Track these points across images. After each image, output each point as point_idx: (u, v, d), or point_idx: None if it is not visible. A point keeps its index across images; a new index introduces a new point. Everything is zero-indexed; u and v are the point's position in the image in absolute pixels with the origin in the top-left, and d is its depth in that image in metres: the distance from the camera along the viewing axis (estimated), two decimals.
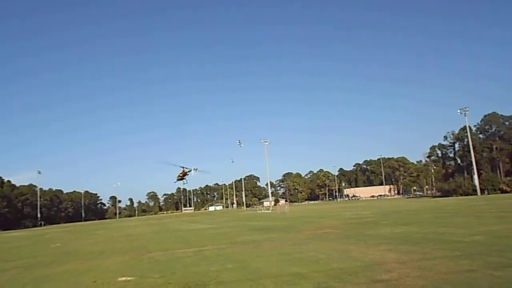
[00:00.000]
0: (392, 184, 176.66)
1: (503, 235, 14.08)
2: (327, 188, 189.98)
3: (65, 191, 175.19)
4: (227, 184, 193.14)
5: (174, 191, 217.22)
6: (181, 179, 27.50)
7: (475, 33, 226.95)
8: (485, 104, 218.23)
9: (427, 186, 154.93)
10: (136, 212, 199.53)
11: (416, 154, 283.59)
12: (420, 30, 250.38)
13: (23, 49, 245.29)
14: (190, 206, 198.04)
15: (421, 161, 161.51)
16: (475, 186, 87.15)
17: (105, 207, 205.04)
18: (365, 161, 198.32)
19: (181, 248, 17.95)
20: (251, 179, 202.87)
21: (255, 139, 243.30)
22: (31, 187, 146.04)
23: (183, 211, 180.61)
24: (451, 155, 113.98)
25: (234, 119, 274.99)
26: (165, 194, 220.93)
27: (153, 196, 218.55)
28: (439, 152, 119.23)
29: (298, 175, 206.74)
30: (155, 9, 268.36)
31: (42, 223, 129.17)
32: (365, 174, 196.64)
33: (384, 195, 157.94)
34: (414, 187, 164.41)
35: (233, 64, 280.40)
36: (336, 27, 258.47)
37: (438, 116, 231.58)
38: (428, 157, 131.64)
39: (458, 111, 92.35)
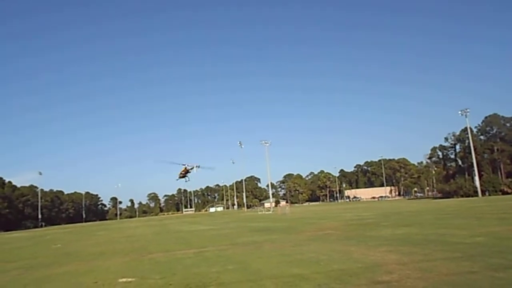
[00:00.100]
0: (393, 185, 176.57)
1: (504, 237, 14.05)
2: (328, 189, 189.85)
3: (66, 192, 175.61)
4: (227, 185, 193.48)
5: (175, 192, 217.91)
6: (183, 176, 27.46)
7: (476, 33, 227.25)
8: (486, 105, 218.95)
9: (428, 188, 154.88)
10: (137, 213, 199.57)
11: (417, 155, 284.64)
12: (421, 30, 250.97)
13: (23, 49, 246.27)
14: (190, 207, 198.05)
15: (422, 162, 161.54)
16: (476, 188, 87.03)
17: (105, 208, 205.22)
18: (366, 162, 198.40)
19: (181, 249, 17.94)
20: (252, 180, 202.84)
21: (255, 140, 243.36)
22: (32, 188, 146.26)
23: (184, 212, 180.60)
24: (452, 156, 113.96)
25: (234, 119, 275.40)
26: (165, 195, 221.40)
27: (153, 197, 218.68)
28: (440, 153, 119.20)
29: (299, 176, 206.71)
30: (155, 9, 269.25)
31: (43, 224, 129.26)
32: (366, 175, 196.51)
33: (384, 197, 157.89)
34: (415, 189, 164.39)
35: (234, 64, 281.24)
36: (337, 27, 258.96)
37: (439, 117, 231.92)
38: (429, 158, 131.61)
39: (459, 112, 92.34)
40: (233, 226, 35.70)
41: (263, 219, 47.27)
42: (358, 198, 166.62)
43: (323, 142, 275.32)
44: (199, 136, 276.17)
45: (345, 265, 10.46)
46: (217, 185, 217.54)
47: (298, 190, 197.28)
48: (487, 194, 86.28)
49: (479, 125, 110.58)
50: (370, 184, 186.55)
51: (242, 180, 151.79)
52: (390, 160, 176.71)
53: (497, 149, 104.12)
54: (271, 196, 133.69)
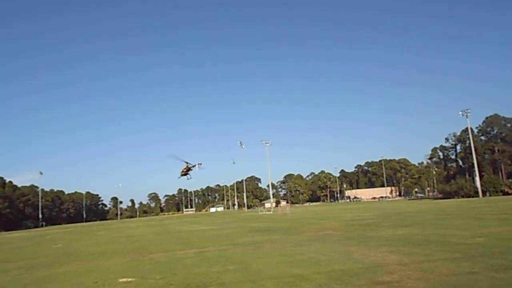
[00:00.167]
0: (394, 185, 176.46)
1: (505, 237, 14.04)
2: (328, 189, 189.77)
3: (66, 192, 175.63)
4: (228, 185, 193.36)
5: (176, 192, 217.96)
6: (185, 174, 27.38)
7: (476, 34, 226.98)
8: (487, 106, 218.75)
9: (428, 188, 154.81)
10: (138, 213, 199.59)
11: (418, 155, 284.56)
12: (421, 30, 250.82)
13: (23, 49, 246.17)
14: (191, 207, 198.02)
15: (422, 162, 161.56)
16: (477, 188, 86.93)
17: (106, 208, 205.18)
18: (367, 162, 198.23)
19: (182, 249, 17.95)
20: (252, 181, 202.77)
21: (256, 140, 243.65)
22: (33, 188, 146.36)
23: (184, 212, 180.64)
24: (453, 157, 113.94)
25: (235, 120, 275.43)
26: (166, 195, 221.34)
27: (154, 197, 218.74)
28: (440, 153, 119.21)
29: (300, 176, 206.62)
30: (154, 9, 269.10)
31: (44, 223, 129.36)
32: (367, 175, 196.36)
33: (385, 197, 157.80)
34: (416, 189, 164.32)
35: (234, 64, 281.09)
36: (337, 27, 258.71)
37: (440, 118, 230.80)
38: (430, 158, 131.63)
39: (460, 112, 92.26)
40: (234, 226, 35.70)
41: (264, 219, 47.27)
42: (358, 198, 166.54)
43: (323, 142, 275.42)
44: (199, 136, 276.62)
45: (346, 266, 10.46)
46: (218, 185, 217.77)
47: (298, 191, 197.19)
48: (487, 194, 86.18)
49: (480, 125, 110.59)
50: (371, 185, 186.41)
51: (242, 180, 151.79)
52: (390, 160, 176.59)
53: (498, 150, 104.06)
54: (271, 196, 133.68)
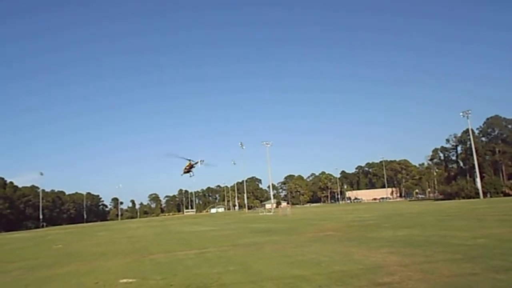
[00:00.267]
0: (394, 186, 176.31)
1: (506, 239, 14.02)
2: (329, 190, 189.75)
3: (67, 193, 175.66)
4: (229, 186, 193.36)
5: (176, 193, 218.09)
6: (188, 171, 27.29)
7: (477, 34, 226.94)
8: (488, 107, 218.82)
9: (429, 189, 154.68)
10: (138, 213, 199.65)
11: (419, 156, 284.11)
12: (422, 31, 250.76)
13: (23, 49, 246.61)
14: (191, 208, 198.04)
15: (423, 164, 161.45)
16: (478, 189, 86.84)
17: (107, 209, 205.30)
18: (367, 163, 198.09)
19: (182, 250, 17.95)
20: (253, 181, 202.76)
21: (257, 141, 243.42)
22: (33, 188, 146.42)
23: (185, 213, 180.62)
24: (454, 158, 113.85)
25: (235, 120, 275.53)
26: (167, 196, 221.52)
27: (155, 198, 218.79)
28: (441, 155, 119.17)
29: (300, 177, 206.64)
30: (154, 9, 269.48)
31: (44, 224, 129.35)
32: (367, 176, 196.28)
33: (386, 198, 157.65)
34: (416, 190, 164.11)
35: (234, 65, 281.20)
36: (337, 28, 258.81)
37: (440, 119, 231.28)
38: (431, 160, 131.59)
39: (461, 113, 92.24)
40: (234, 227, 35.68)
41: (264, 220, 47.25)
42: (359, 199, 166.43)
43: (324, 143, 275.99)
44: (200, 137, 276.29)
45: (346, 267, 10.46)
46: (218, 186, 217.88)
47: (299, 191, 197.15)
48: (488, 196, 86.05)
49: (480, 126, 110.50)
50: (371, 186, 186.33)
51: (243, 181, 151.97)
52: (391, 161, 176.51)
53: (499, 151, 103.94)
54: (272, 197, 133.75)
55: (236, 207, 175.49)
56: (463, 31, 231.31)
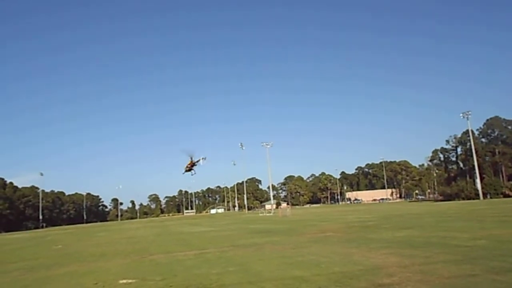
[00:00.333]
0: (394, 187, 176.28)
1: (506, 240, 14.02)
2: (329, 191, 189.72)
3: (67, 193, 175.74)
4: (228, 186, 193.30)
5: (176, 194, 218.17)
6: (189, 169, 26.94)
7: (478, 36, 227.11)
8: (488, 108, 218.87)
9: (429, 190, 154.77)
10: (138, 214, 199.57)
11: (419, 157, 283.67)
12: (422, 32, 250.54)
13: (23, 49, 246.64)
14: (191, 208, 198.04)
15: (423, 164, 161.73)
16: (478, 190, 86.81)
17: (106, 209, 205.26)
18: (367, 164, 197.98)
19: (182, 251, 17.95)
20: (253, 182, 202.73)
21: (257, 142, 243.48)
22: (33, 188, 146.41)
23: (185, 214, 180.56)
24: (454, 159, 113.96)
25: (236, 121, 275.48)
26: (166, 197, 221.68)
27: (155, 198, 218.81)
28: (441, 156, 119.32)
29: (300, 178, 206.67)
30: (154, 9, 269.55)
31: (44, 225, 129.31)
32: (367, 177, 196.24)
33: (386, 199, 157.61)
34: (416, 191, 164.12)
35: (234, 65, 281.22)
36: (338, 28, 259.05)
37: (441, 120, 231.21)
38: (431, 161, 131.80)
39: (461, 115, 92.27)
40: (234, 228, 35.68)
41: (264, 221, 47.24)
42: (359, 200, 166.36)
43: (324, 144, 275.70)
44: (200, 137, 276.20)
45: (346, 268, 10.46)
46: (218, 186, 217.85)
47: (299, 192, 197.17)
48: (488, 197, 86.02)
49: (480, 127, 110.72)
50: (371, 187, 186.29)
51: (243, 181, 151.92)
52: (391, 162, 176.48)
53: (499, 152, 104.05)
54: (272, 198, 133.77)
55: (236, 208, 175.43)
56: (463, 32, 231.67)
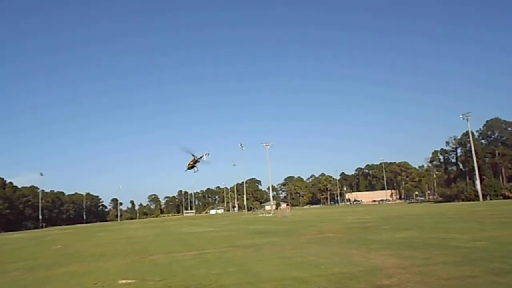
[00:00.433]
0: (394, 189, 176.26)
1: (505, 241, 14.02)
2: (328, 192, 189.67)
3: (66, 193, 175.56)
4: (228, 187, 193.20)
5: (176, 194, 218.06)
6: (192, 167, 26.53)
7: (478, 37, 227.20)
8: (488, 109, 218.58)
9: (429, 191, 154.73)
10: (138, 214, 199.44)
11: (418, 159, 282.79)
12: (422, 33, 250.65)
13: (23, 49, 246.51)
14: (191, 209, 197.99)
15: (423, 166, 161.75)
16: (477, 192, 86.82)
17: (106, 210, 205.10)
18: (367, 165, 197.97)
19: (182, 251, 17.94)
20: (253, 183, 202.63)
21: (256, 142, 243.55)
22: (33, 188, 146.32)
23: (184, 214, 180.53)
24: (453, 160, 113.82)
25: (235, 121, 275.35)
26: (166, 197, 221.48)
27: (154, 198, 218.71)
28: (441, 157, 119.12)
29: (300, 179, 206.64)
30: (155, 9, 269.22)
31: (43, 224, 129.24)
32: (367, 178, 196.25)
33: (385, 200, 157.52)
34: (416, 192, 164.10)
35: (234, 65, 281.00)
36: (338, 29, 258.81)
37: (440, 121, 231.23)
38: (430, 162, 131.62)
39: (461, 116, 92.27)
40: (234, 228, 35.68)
41: (264, 221, 47.24)
42: (359, 201, 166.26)
43: (324, 145, 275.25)
44: (199, 137, 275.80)
45: (346, 269, 10.46)
46: (218, 187, 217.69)
47: (299, 193, 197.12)
48: (488, 198, 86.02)
49: (480, 129, 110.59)
50: (371, 188, 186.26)
51: (243, 182, 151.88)
52: (391, 163, 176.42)
53: (499, 153, 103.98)
54: (271, 198, 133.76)
55: (236, 209, 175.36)
56: (463, 33, 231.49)
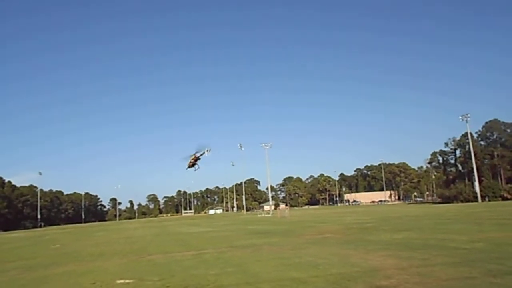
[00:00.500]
0: (393, 189, 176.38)
1: (503, 243, 14.05)
2: (327, 193, 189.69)
3: (65, 193, 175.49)
4: (227, 187, 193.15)
5: (174, 194, 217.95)
6: (193, 165, 26.20)
7: (477, 38, 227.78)
8: (487, 111, 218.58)
9: (427, 192, 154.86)
10: (136, 214, 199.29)
11: (417, 160, 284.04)
12: (422, 34, 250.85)
13: (23, 49, 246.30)
14: (190, 209, 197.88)
15: (422, 167, 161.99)
16: (476, 193, 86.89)
17: (105, 209, 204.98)
18: (366, 166, 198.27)
19: (180, 251, 17.94)
20: (252, 183, 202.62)
21: (256, 143, 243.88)
22: (32, 188, 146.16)
23: (183, 214, 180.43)
24: (452, 161, 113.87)
25: (235, 121, 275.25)
26: (165, 197, 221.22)
27: (153, 198, 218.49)
28: (440, 158, 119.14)
29: (299, 179, 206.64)
30: (155, 9, 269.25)
31: (42, 224, 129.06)
32: (366, 179, 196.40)
33: (384, 201, 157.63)
34: (415, 193, 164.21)
35: (234, 65, 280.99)
36: (338, 29, 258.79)
37: (440, 122, 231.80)
38: (429, 163, 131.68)
39: (460, 117, 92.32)
40: (232, 229, 35.68)
41: (262, 222, 47.24)
42: (357, 202, 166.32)
43: (323, 145, 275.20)
44: (199, 137, 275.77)
45: (344, 269, 10.47)
46: (217, 187, 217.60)
47: (297, 193, 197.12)
48: (487, 199, 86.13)
49: (479, 130, 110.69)
50: (370, 188, 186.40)
51: (241, 182, 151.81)
52: (390, 164, 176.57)
53: (497, 155, 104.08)
54: (270, 199, 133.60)
55: (235, 209, 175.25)
56: (463, 33, 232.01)
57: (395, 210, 60.55)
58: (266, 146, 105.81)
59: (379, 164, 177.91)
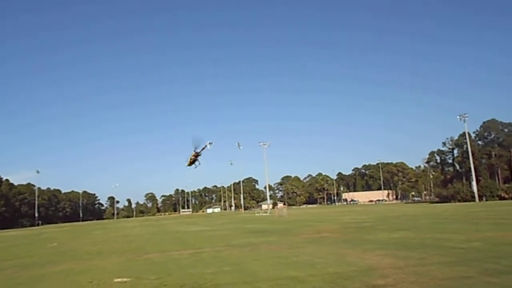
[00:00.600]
0: (391, 189, 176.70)
1: (500, 242, 14.09)
2: (325, 192, 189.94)
3: (63, 191, 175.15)
4: (225, 186, 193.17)
5: (172, 193, 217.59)
6: (193, 162, 25.93)
7: (476, 38, 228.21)
8: (485, 110, 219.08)
9: (425, 192, 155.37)
10: (134, 213, 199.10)
11: (415, 159, 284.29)
12: (420, 34, 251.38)
13: (23, 48, 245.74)
14: (188, 207, 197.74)
15: (420, 166, 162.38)
16: (474, 193, 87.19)
17: (103, 208, 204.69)
18: (364, 165, 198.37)
19: (178, 250, 17.93)
20: (250, 182, 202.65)
21: (254, 142, 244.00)
22: (29, 186, 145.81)
23: (181, 213, 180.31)
24: (450, 161, 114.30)
25: (233, 121, 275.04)
26: (163, 196, 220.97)
27: (151, 197, 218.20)
28: (438, 158, 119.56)
29: (297, 178, 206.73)
30: (155, 9, 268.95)
31: (40, 222, 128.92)
32: (364, 178, 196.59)
33: (382, 200, 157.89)
34: (413, 193, 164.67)
35: (234, 65, 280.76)
36: (338, 29, 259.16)
37: (438, 122, 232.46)
38: (427, 162, 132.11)
39: (458, 117, 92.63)
40: (230, 228, 35.67)
41: (260, 220, 47.26)
42: (355, 201, 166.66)
43: (321, 145, 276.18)
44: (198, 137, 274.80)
45: (341, 268, 10.48)
46: (215, 186, 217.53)
47: (295, 192, 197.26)
48: (484, 199, 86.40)
49: (477, 130, 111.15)
50: (368, 188, 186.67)
51: (240, 181, 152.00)
52: (388, 163, 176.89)
53: (495, 155, 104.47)
54: (268, 198, 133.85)
55: (233, 208, 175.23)
56: (461, 34, 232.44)
57: (393, 210, 60.65)
58: (264, 145, 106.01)
59: (377, 164, 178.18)
